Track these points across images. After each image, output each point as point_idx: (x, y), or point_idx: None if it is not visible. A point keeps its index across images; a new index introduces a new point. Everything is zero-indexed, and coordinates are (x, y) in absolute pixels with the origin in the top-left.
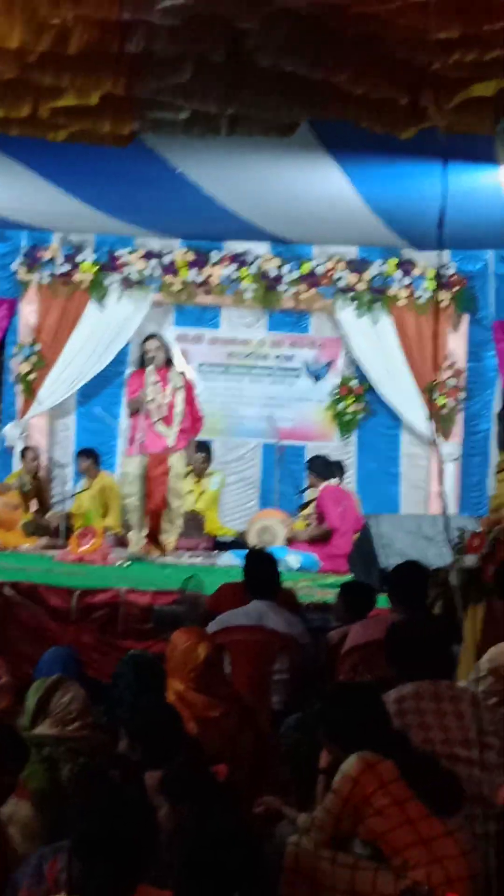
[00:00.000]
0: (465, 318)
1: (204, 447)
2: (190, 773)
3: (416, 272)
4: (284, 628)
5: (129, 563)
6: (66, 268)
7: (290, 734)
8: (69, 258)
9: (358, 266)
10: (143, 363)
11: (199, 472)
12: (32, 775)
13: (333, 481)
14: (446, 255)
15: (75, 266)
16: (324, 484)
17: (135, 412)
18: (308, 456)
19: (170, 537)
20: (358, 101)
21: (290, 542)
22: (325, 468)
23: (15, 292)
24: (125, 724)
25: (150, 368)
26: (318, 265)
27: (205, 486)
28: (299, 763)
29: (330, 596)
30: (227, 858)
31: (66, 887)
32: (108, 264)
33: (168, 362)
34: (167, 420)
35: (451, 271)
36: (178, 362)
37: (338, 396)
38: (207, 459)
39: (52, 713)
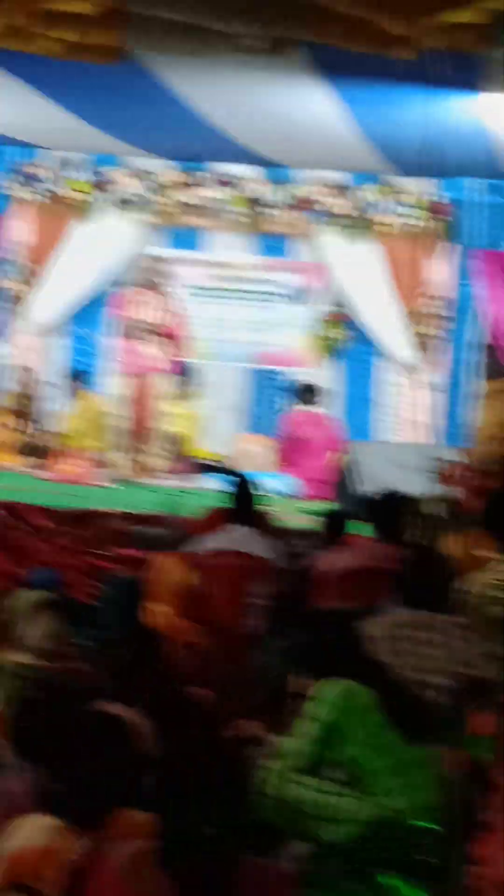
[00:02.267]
0: (450, 247)
1: (188, 370)
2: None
3: (403, 199)
4: (262, 553)
5: (115, 485)
6: (57, 186)
7: (265, 659)
8: (60, 176)
9: (344, 191)
10: (137, 282)
11: (183, 395)
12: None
13: (307, 407)
14: (432, 182)
15: (65, 184)
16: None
17: (122, 333)
18: (291, 381)
19: (154, 460)
20: (352, 22)
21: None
22: (299, 394)
23: (3, 209)
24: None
25: (138, 289)
26: (306, 190)
27: (188, 409)
28: (274, 687)
29: (307, 521)
30: (210, 781)
31: (28, 806)
32: (100, 183)
33: (159, 284)
34: (151, 342)
35: (437, 199)
36: (169, 283)
37: (321, 322)
38: (190, 382)
39: (24, 642)
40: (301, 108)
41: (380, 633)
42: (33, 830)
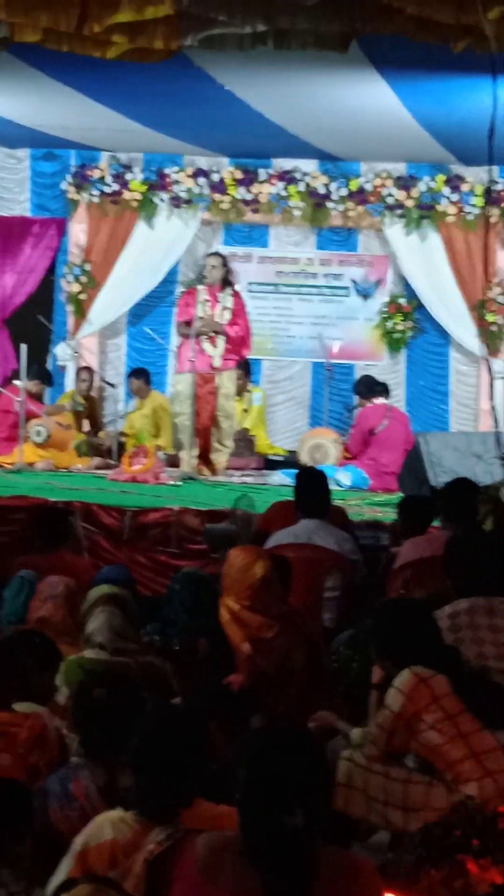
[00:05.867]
0: None
1: (243, 364)
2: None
3: (464, 188)
4: (335, 546)
5: (181, 482)
6: (116, 187)
7: (342, 651)
8: (118, 177)
9: (406, 182)
10: (199, 280)
11: (240, 390)
12: (75, 695)
13: (378, 401)
14: (495, 170)
15: (124, 184)
16: (366, 404)
17: (185, 331)
18: (357, 375)
19: (221, 457)
20: (407, 14)
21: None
22: (368, 388)
23: (65, 212)
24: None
25: (202, 287)
26: (366, 182)
27: (247, 403)
28: (352, 679)
29: (380, 514)
30: (291, 771)
31: (100, 803)
32: (157, 183)
33: (224, 282)
34: (213, 339)
35: (500, 186)
36: (231, 281)
37: (386, 315)
38: (246, 375)
39: (90, 636)
40: (356, 100)
41: (442, 623)
42: (105, 825)
